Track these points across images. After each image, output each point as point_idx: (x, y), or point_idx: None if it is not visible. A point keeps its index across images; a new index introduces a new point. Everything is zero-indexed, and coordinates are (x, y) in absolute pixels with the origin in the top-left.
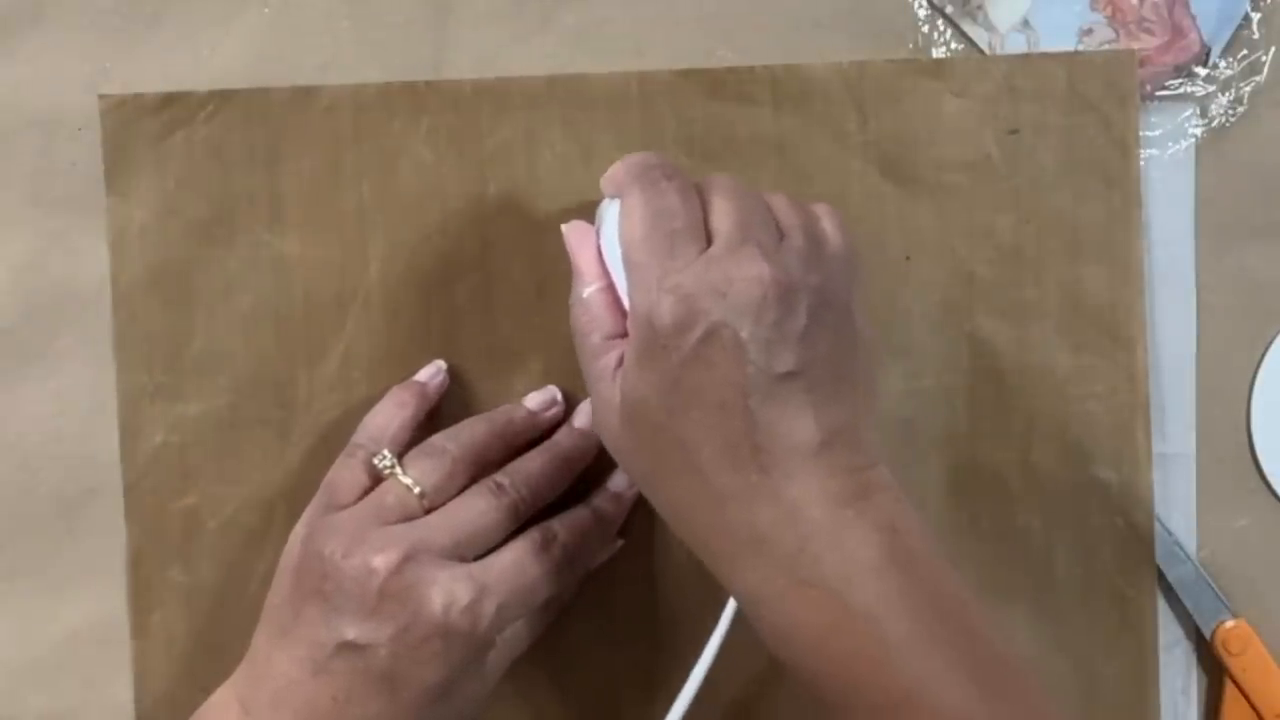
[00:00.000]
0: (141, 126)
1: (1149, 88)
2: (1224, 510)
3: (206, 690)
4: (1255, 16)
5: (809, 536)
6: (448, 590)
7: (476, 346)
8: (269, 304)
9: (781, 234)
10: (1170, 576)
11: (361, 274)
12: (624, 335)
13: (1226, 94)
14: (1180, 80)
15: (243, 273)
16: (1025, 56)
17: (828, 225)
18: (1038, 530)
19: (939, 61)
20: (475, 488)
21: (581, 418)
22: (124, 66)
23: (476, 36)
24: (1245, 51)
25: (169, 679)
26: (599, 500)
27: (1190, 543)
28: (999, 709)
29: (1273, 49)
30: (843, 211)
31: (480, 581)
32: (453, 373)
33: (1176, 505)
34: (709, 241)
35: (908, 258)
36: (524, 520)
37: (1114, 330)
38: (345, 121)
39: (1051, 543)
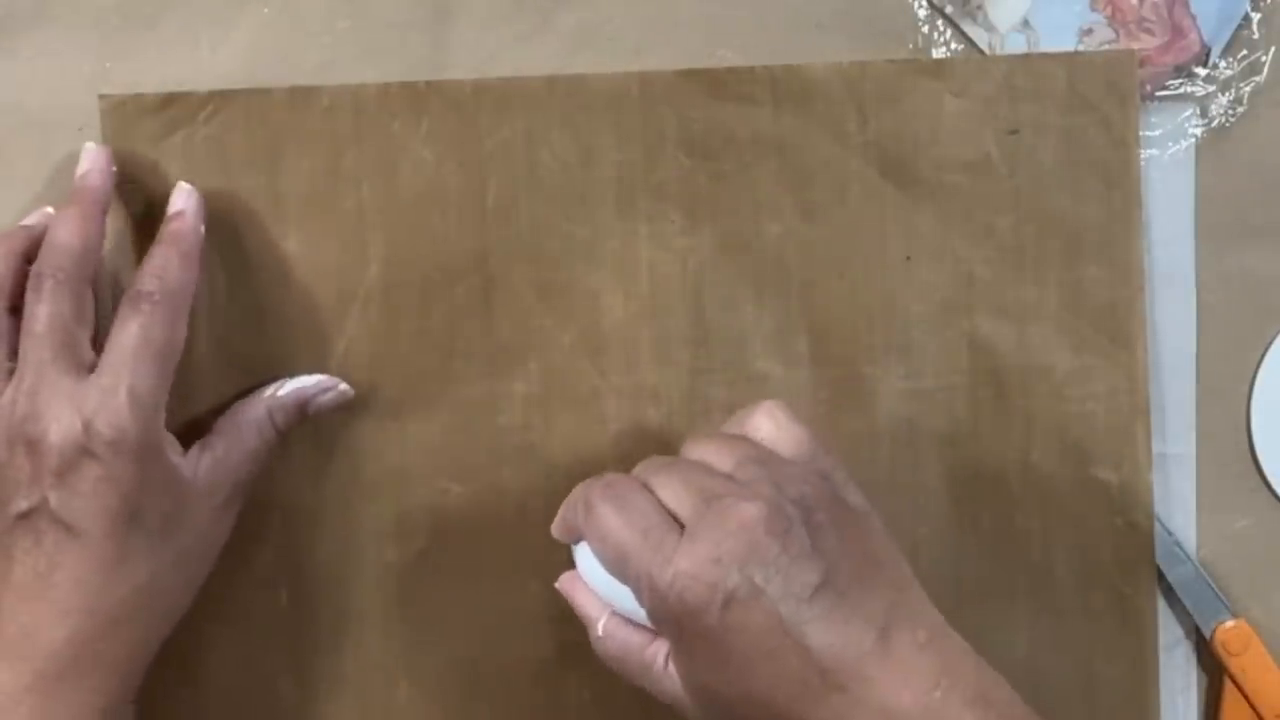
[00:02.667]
0: (141, 126)
1: (1149, 88)
2: (1224, 510)
3: (196, 684)
4: (1255, 16)
5: None
6: (69, 413)
7: (476, 347)
8: (269, 304)
9: (730, 475)
10: (1170, 576)
11: (361, 274)
12: (653, 642)
13: (1226, 94)
14: (1180, 80)
15: (243, 273)
16: (1025, 56)
17: (780, 422)
18: (1038, 530)
19: (939, 61)
20: (27, 297)
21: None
22: (124, 66)
23: (476, 36)
24: (1245, 51)
25: (159, 678)
26: (163, 229)
27: (1190, 543)
28: None
29: (1273, 49)
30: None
31: (98, 384)
32: (452, 373)
33: (1176, 505)
34: (679, 522)
35: (908, 258)
36: (79, 290)
37: (1114, 330)
38: (345, 122)
39: (1051, 543)
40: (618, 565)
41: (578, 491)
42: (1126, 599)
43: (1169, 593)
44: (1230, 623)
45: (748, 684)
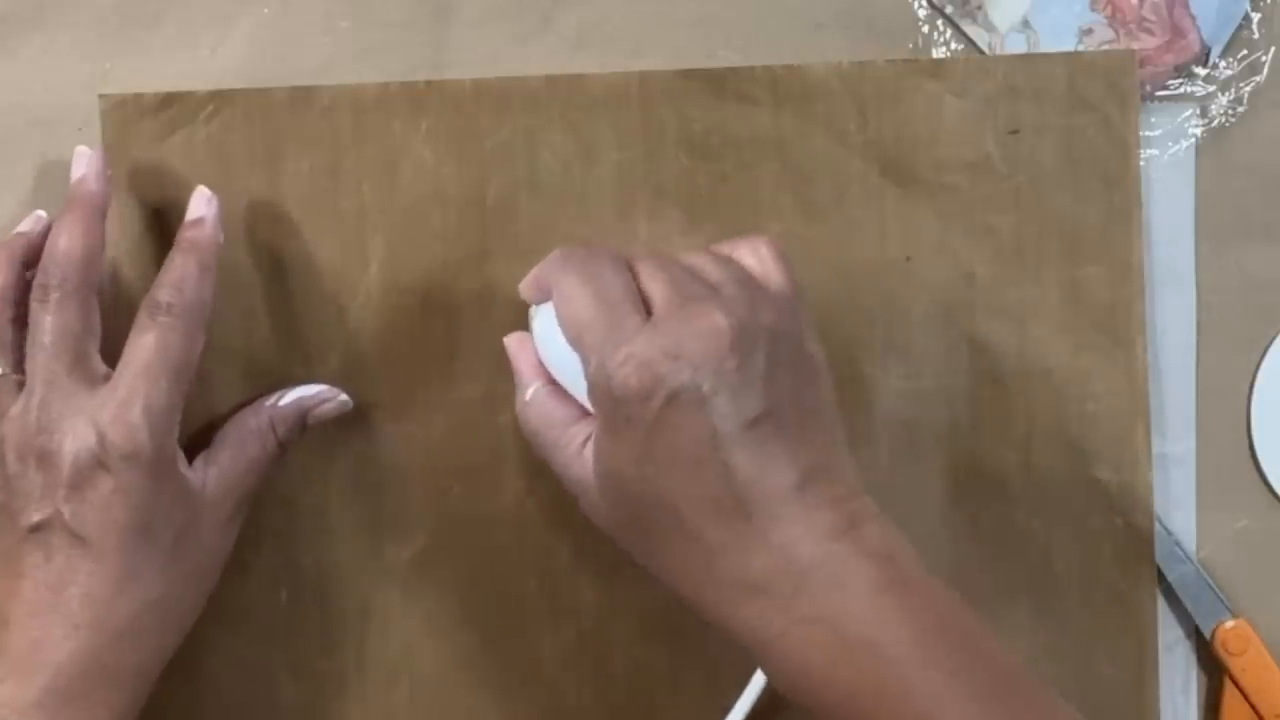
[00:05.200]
0: (141, 126)
1: (1149, 88)
2: (1224, 510)
3: (196, 684)
4: (1255, 16)
5: (803, 575)
6: (83, 425)
7: (476, 347)
8: (269, 304)
9: (714, 289)
10: (1170, 576)
11: (361, 274)
12: (577, 422)
13: (1226, 94)
14: (1180, 80)
15: (242, 273)
16: (1025, 56)
17: (765, 259)
18: (1038, 530)
19: (939, 61)
20: (32, 308)
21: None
22: (124, 66)
23: (476, 36)
24: (1245, 51)
25: (159, 678)
26: (182, 236)
27: (1190, 543)
28: None
29: (1273, 49)
30: (782, 244)
31: (114, 397)
32: (453, 373)
33: (1176, 505)
34: (648, 310)
35: (908, 258)
36: (86, 300)
37: (1114, 330)
38: (345, 122)
39: (1051, 543)
40: (575, 332)
41: (557, 252)
42: (1126, 599)
43: (1169, 593)
44: (1230, 623)
45: (661, 486)
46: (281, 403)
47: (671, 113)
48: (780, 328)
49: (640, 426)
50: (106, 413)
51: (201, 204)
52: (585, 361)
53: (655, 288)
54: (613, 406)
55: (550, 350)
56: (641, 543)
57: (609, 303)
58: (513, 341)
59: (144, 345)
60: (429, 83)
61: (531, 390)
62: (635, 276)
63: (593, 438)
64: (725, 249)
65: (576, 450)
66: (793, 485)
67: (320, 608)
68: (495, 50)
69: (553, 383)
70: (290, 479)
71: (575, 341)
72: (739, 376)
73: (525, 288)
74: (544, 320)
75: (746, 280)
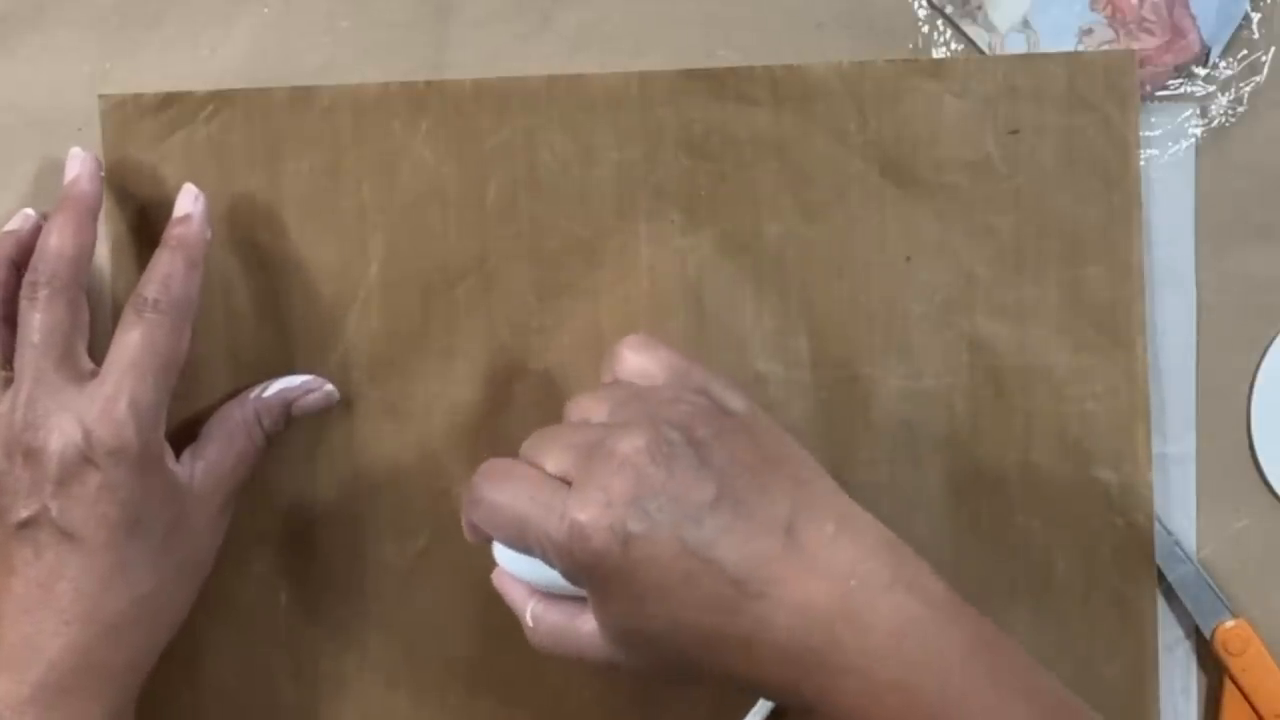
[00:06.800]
0: (141, 126)
1: (1149, 88)
2: (1224, 510)
3: (196, 685)
4: (1255, 16)
5: (828, 627)
6: (70, 422)
7: (476, 347)
8: (268, 305)
9: (606, 425)
10: (1170, 576)
11: (361, 274)
12: (579, 615)
13: (1226, 94)
14: (1180, 80)
15: (242, 273)
16: (1025, 56)
17: (642, 350)
18: (1038, 530)
19: (939, 61)
20: (21, 305)
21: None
22: (124, 66)
23: (477, 36)
24: (1245, 51)
25: (159, 678)
26: (169, 233)
27: (1190, 543)
28: None
29: (1273, 49)
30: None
31: (100, 394)
32: (453, 373)
33: (1176, 505)
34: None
35: (908, 258)
36: (75, 298)
37: (1114, 330)
38: (345, 122)
39: (1051, 543)
40: (519, 540)
41: (465, 493)
42: (1126, 599)
43: (1169, 593)
44: (1230, 623)
45: (669, 614)
46: (266, 394)
47: (671, 113)
48: (685, 412)
49: (620, 578)
50: (93, 409)
51: (188, 201)
52: (544, 559)
53: (561, 463)
54: (588, 575)
55: (520, 569)
56: (686, 670)
57: (530, 494)
58: (495, 580)
59: (130, 341)
60: (429, 83)
61: (529, 613)
62: (535, 463)
63: (592, 613)
64: (607, 373)
65: (590, 635)
66: (781, 543)
67: (320, 609)
68: (495, 50)
69: (545, 597)
70: (290, 480)
71: (525, 547)
72: (674, 482)
73: (467, 535)
74: (498, 548)
75: (629, 396)
